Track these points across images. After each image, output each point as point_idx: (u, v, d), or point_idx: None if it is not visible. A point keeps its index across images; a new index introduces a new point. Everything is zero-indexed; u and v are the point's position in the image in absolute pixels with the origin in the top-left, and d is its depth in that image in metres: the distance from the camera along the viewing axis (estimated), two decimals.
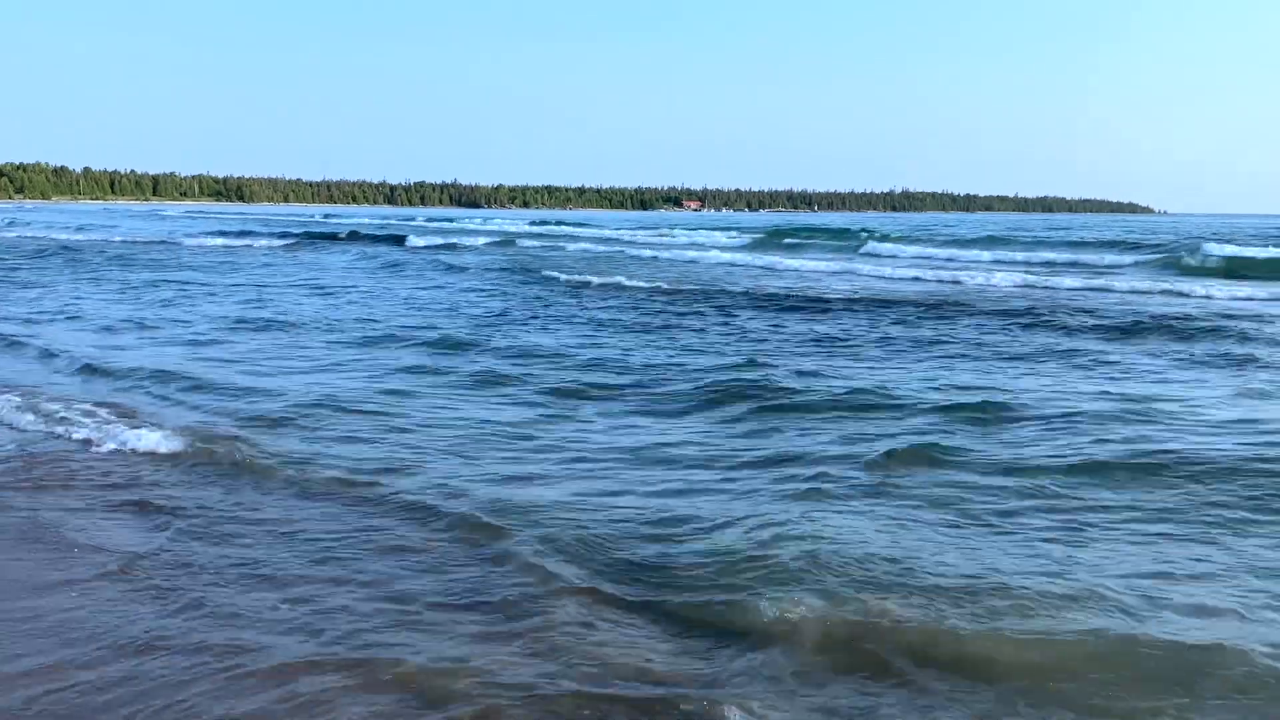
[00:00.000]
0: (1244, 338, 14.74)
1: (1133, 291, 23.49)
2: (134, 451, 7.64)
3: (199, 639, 4.35)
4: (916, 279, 28.07)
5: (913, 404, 9.37)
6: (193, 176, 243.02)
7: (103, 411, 8.75)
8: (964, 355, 13.18)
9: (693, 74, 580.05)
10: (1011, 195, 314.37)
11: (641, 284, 24.15)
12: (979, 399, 9.41)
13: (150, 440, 7.78)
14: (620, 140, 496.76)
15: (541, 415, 9.17)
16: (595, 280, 25.13)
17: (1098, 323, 16.47)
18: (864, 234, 50.28)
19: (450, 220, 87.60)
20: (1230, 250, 34.86)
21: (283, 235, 51.91)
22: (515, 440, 8.18)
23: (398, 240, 49.16)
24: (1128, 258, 35.82)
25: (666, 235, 58.05)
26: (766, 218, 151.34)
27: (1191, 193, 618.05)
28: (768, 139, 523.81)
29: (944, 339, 14.82)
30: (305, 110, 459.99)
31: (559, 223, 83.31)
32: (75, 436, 8.07)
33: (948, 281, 27.07)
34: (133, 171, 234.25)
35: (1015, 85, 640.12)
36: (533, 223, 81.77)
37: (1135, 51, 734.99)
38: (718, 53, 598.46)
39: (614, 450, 7.85)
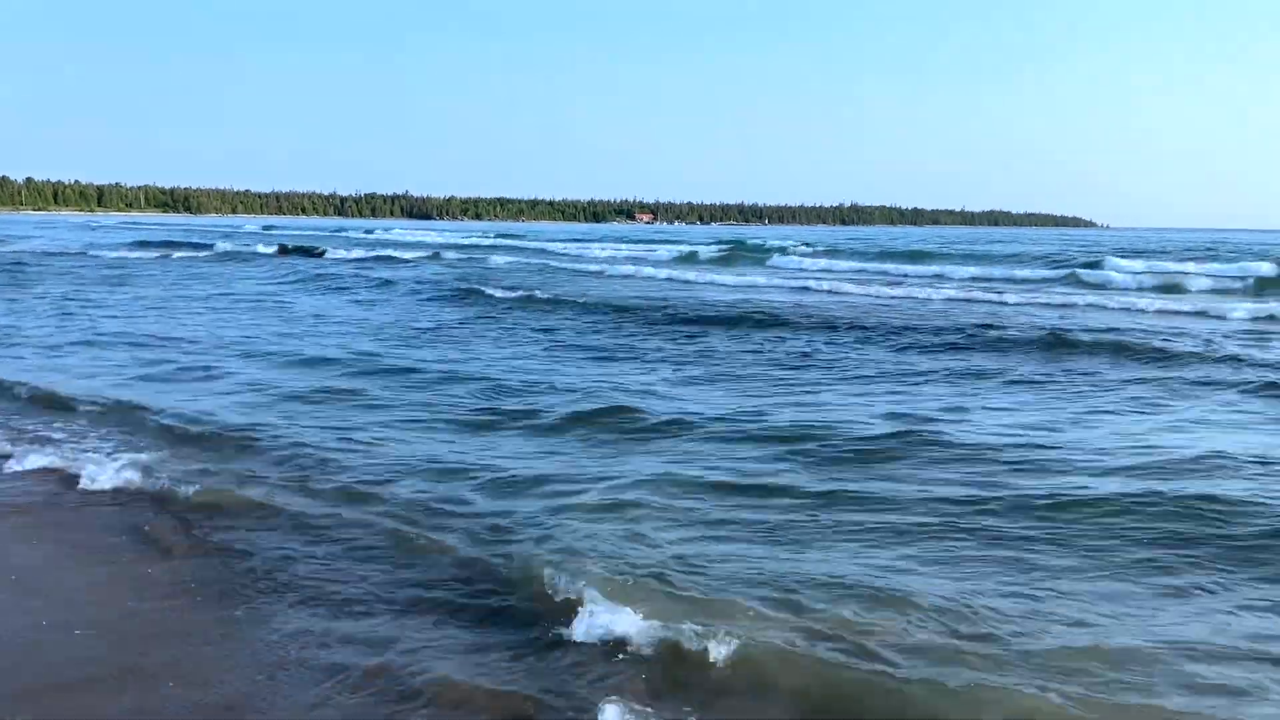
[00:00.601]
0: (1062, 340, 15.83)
1: (989, 302, 24.74)
2: None
3: None
4: (806, 288, 29.43)
5: (551, 409, 10.21)
6: (139, 187, 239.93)
7: None
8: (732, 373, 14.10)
9: (647, 86, 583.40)
10: (959, 209, 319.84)
11: (505, 293, 24.92)
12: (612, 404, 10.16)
13: None
14: (574, 152, 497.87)
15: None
16: (495, 293, 25.80)
17: (916, 336, 17.34)
18: (777, 249, 51.42)
19: (385, 230, 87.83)
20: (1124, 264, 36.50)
21: (204, 247, 52.04)
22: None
23: (318, 254, 49.48)
24: (1021, 270, 36.99)
25: (602, 249, 58.90)
26: (715, 230, 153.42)
27: (1134, 207, 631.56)
28: (721, 153, 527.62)
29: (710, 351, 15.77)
30: (255, 122, 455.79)
31: (500, 235, 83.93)
32: None
33: (826, 293, 28.26)
34: (77, 182, 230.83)
35: (964, 102, 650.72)
36: (478, 234, 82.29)
37: (1082, 71, 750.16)
38: (673, 66, 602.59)
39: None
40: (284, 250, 50.62)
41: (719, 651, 4.52)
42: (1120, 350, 14.71)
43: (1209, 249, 48.42)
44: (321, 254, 49.09)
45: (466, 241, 68.06)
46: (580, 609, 4.96)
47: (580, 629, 4.83)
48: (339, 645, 4.80)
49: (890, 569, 5.64)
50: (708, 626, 4.70)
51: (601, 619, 4.85)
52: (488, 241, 69.10)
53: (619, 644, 4.71)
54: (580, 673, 4.51)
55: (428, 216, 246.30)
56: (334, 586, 5.54)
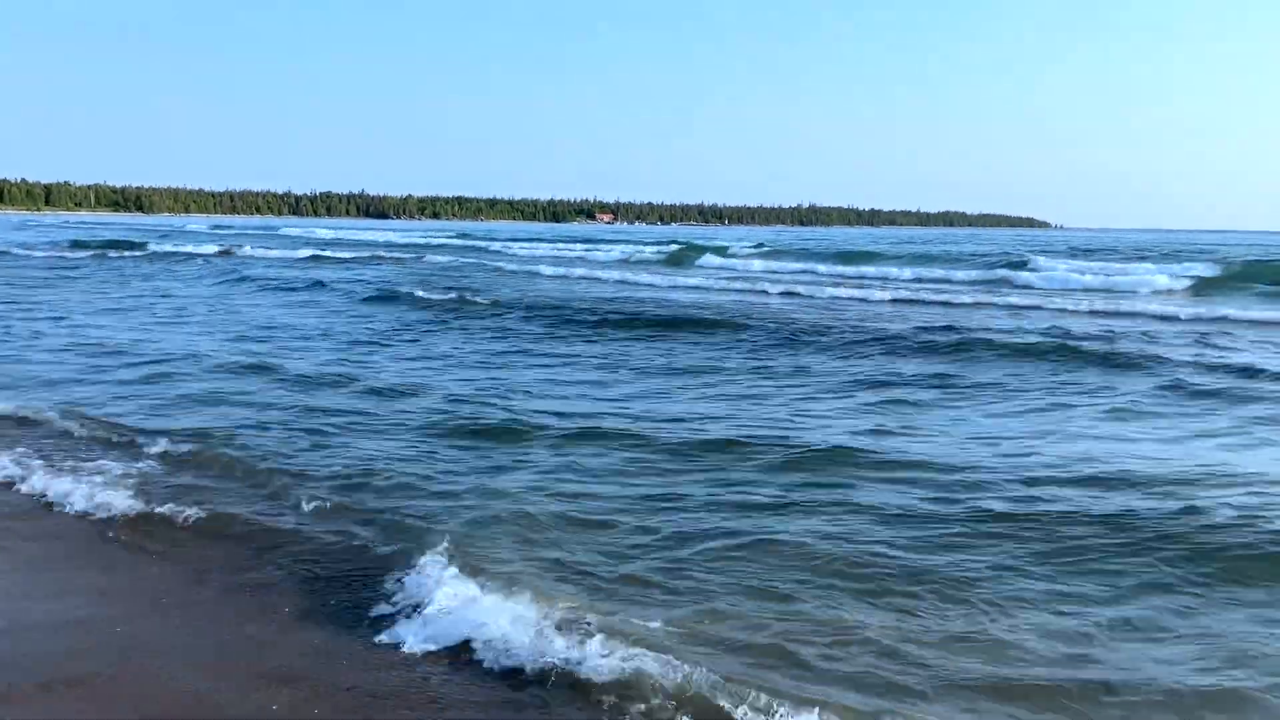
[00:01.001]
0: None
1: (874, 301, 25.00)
2: None
3: None
4: (725, 289, 29.56)
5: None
6: (89, 186, 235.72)
7: None
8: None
9: (607, 86, 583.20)
10: (915, 210, 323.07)
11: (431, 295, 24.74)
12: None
13: None
14: (534, 152, 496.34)
15: None
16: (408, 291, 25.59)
17: (824, 340, 17.35)
18: (712, 250, 51.50)
19: (335, 230, 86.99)
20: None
21: (137, 246, 51.19)
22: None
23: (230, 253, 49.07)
24: (956, 271, 37.29)
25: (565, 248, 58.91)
26: (674, 230, 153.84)
27: (1088, 208, 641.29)
28: (680, 154, 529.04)
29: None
30: (208, 120, 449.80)
31: (456, 235, 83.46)
32: None
33: (744, 291, 28.39)
34: (23, 180, 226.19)
35: (921, 104, 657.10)
36: (429, 234, 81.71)
37: (1037, 75, 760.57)
38: (633, 66, 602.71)
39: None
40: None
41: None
42: (1025, 352, 14.74)
43: (1139, 251, 49.26)
44: (227, 253, 48.73)
45: (413, 240, 67.70)
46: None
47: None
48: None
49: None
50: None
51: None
52: (437, 241, 68.79)
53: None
54: None
55: (385, 215, 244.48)
56: None
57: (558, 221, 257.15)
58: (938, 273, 36.54)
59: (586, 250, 56.26)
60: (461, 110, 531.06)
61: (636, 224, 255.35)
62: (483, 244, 63.78)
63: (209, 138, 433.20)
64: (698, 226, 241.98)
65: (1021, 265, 37.70)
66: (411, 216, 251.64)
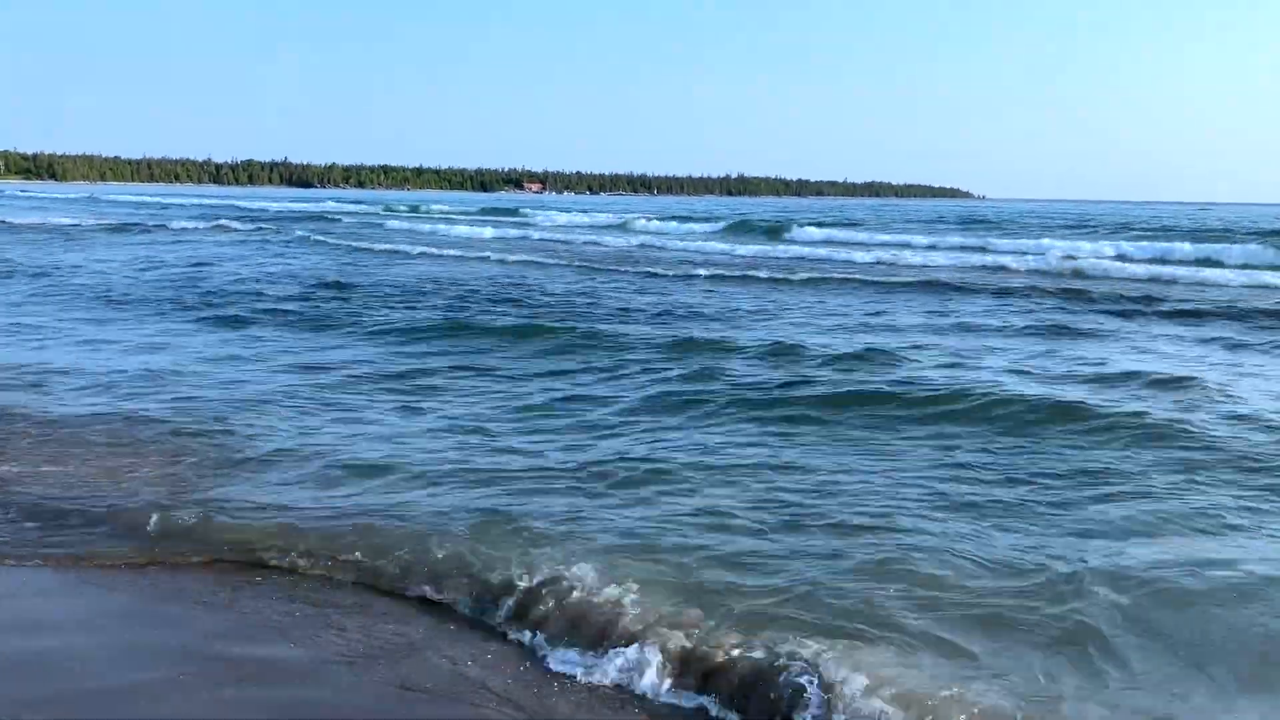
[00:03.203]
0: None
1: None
2: None
3: None
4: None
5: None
6: None
7: None
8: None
9: (538, 55, 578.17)
10: (841, 180, 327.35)
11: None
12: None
13: None
14: (461, 121, 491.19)
15: None
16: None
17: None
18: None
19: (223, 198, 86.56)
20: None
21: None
22: None
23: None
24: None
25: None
26: (606, 200, 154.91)
27: (1014, 180, 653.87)
28: (609, 124, 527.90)
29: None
30: (126, 83, 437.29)
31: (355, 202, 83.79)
32: None
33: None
34: None
35: (849, 76, 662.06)
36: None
37: (967, 46, 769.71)
38: (563, 36, 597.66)
39: None
40: None
41: None
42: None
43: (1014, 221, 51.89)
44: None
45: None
46: None
47: None
48: None
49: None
50: None
51: None
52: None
53: None
54: None
55: (308, 184, 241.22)
56: None
57: (485, 190, 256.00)
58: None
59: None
60: (384, 77, 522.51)
61: (565, 194, 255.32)
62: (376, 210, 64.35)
63: (121, 103, 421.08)
64: (627, 196, 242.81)
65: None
66: (336, 185, 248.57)
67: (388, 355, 11.38)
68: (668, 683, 4.20)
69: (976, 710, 3.77)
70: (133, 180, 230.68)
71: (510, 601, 4.81)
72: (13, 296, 16.59)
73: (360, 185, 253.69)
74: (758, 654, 4.20)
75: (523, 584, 4.89)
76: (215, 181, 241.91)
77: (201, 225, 43.60)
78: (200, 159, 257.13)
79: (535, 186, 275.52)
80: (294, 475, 6.59)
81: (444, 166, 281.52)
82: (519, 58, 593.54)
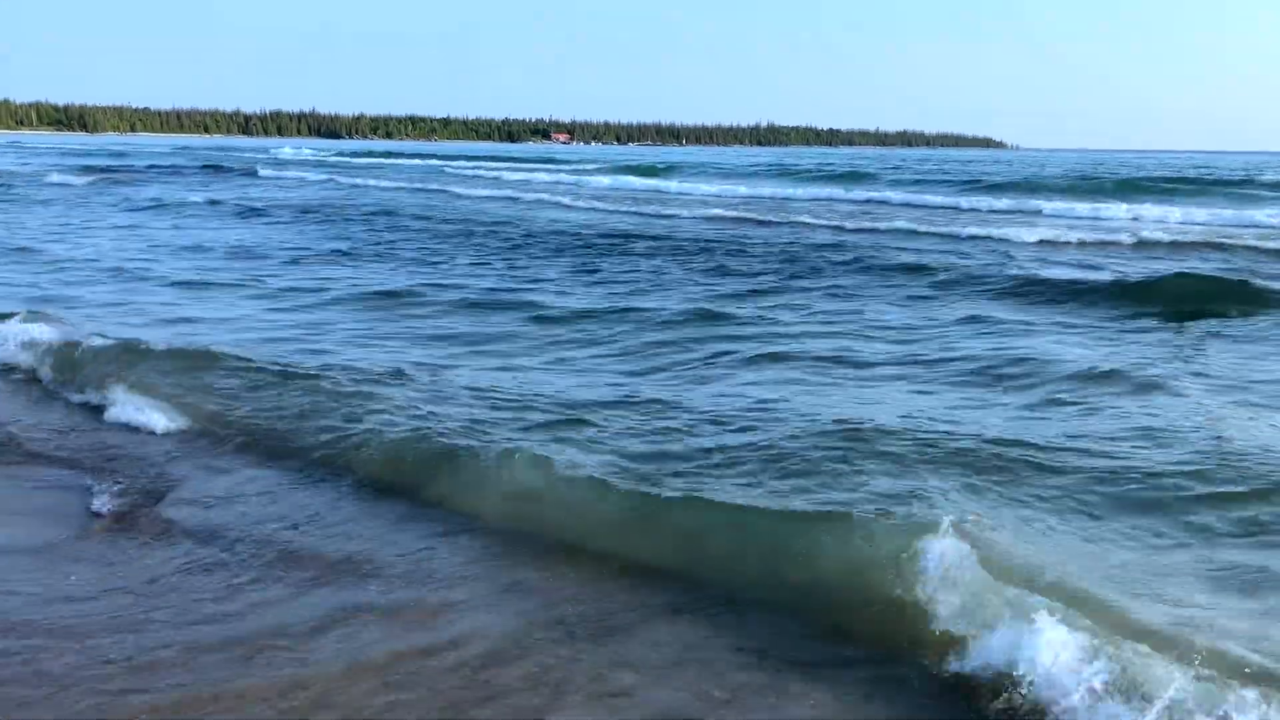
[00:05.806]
0: None
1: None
2: None
3: None
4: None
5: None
6: (30, 104, 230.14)
7: None
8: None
9: (566, 4, 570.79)
10: (873, 130, 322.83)
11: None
12: None
13: None
14: (489, 71, 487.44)
15: None
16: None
17: None
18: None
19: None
20: None
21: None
22: None
23: None
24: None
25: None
26: (635, 150, 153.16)
27: (1047, 129, 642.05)
28: (637, 73, 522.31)
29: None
30: (156, 35, 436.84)
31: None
32: None
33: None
34: None
35: (879, 22, 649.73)
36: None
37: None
38: None
39: None
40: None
41: None
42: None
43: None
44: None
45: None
46: None
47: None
48: None
49: None
50: None
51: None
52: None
53: None
54: None
55: (336, 135, 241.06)
56: None
57: (512, 141, 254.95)
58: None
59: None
60: (415, 27, 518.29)
61: (593, 144, 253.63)
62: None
63: (150, 53, 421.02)
64: (656, 146, 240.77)
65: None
66: (364, 135, 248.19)
67: None
68: None
69: None
70: (163, 131, 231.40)
71: None
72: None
73: (388, 136, 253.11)
74: None
75: None
76: (244, 133, 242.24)
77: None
78: (229, 109, 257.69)
79: (563, 137, 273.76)
80: None
81: (471, 117, 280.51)
82: (553, 4, 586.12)
